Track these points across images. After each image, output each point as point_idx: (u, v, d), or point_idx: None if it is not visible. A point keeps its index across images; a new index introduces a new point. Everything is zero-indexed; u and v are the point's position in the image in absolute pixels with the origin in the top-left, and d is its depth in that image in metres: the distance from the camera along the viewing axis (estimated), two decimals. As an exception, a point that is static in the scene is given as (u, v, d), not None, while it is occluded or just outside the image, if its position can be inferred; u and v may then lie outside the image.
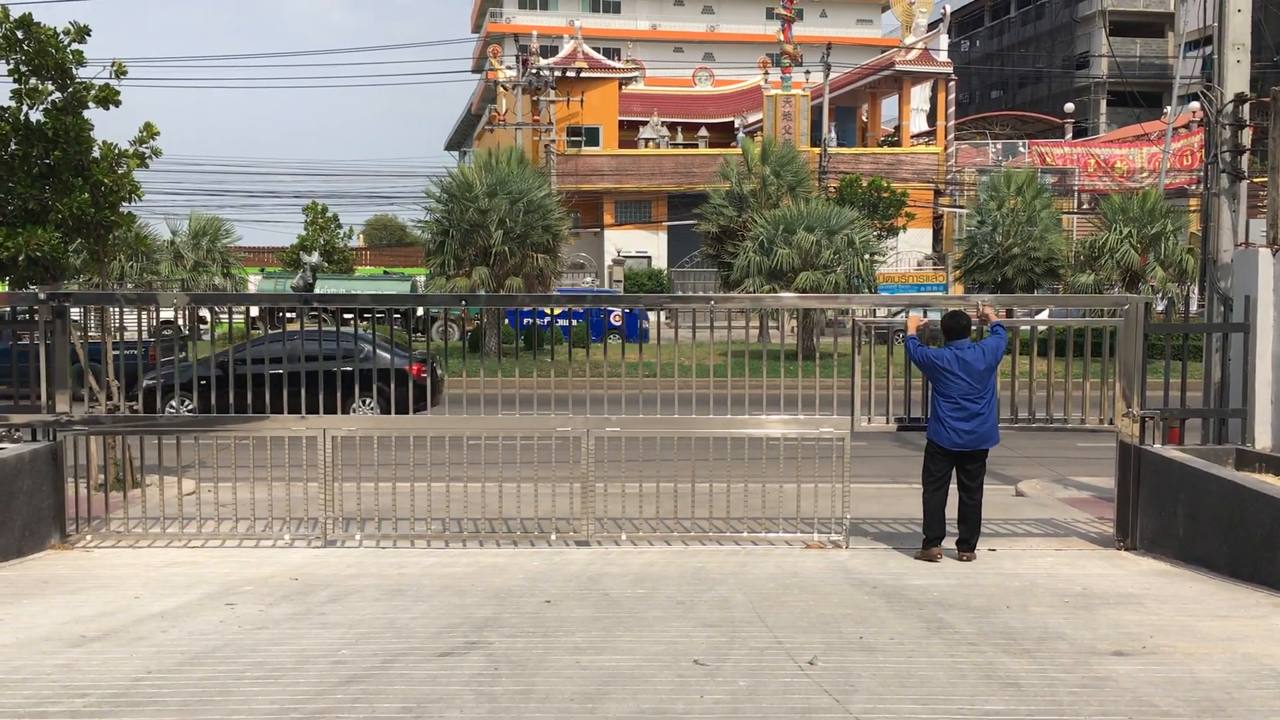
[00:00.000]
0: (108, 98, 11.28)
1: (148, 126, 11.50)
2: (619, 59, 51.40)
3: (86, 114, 11.23)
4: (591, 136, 45.97)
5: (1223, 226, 11.51)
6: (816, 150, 41.29)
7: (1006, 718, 4.98)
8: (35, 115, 11.07)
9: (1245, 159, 11.66)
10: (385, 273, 45.07)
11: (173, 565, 8.35)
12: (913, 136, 49.24)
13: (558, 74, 43.32)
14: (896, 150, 46.98)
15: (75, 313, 9.69)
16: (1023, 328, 9.88)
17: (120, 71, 11.42)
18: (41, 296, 9.15)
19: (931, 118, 50.01)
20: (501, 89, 44.60)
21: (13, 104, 11.01)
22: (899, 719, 4.93)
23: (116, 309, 9.71)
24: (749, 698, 5.23)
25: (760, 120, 46.15)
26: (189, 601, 7.16)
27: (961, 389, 8.45)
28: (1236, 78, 11.45)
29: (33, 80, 11.01)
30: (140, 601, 7.16)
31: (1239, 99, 11.41)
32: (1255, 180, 13.43)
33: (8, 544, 8.37)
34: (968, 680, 5.53)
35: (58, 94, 11.10)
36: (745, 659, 5.87)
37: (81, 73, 11.20)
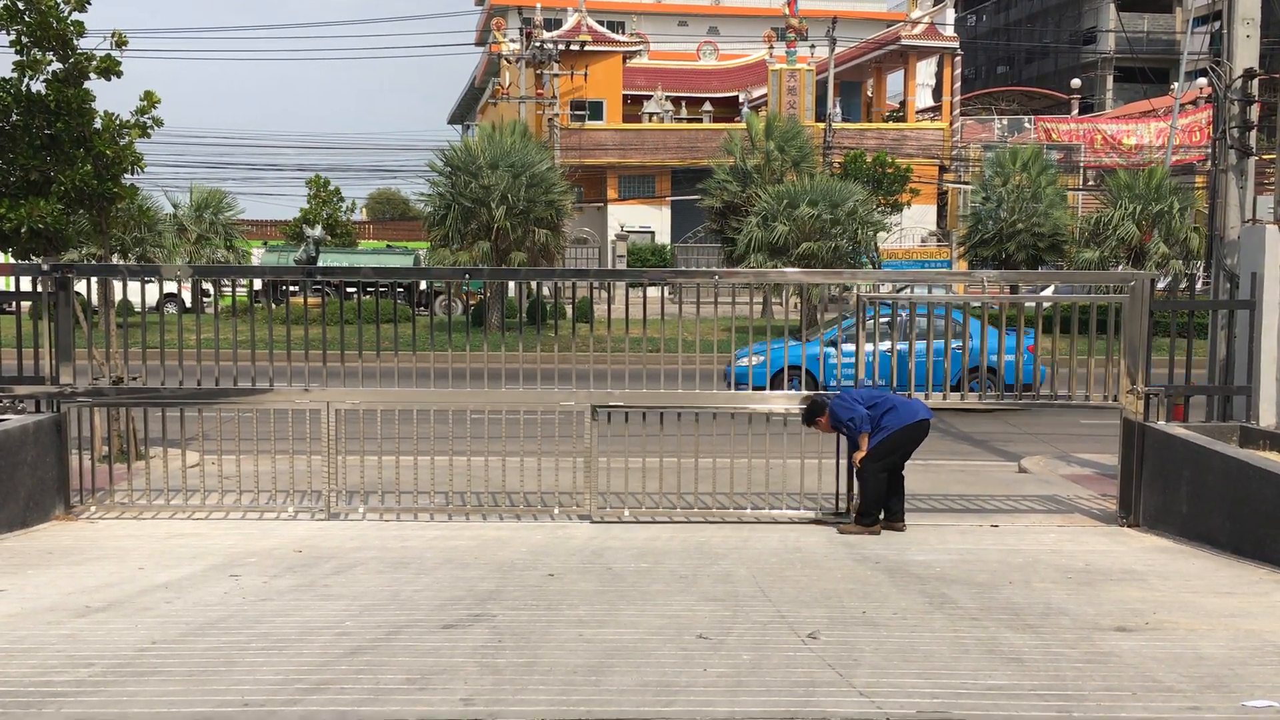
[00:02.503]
0: (109, 68, 11.21)
1: (148, 95, 11.44)
2: (623, 32, 51.04)
3: (88, 85, 11.18)
4: (595, 111, 45.72)
5: (1230, 203, 11.45)
6: (821, 125, 41.05)
7: (1010, 693, 4.98)
8: (37, 86, 11.02)
9: (1254, 135, 11.58)
10: (388, 246, 44.99)
11: (177, 537, 8.37)
12: (918, 112, 48.99)
13: (561, 47, 43.02)
14: (901, 126, 46.72)
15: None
16: (1028, 304, 9.84)
17: (121, 42, 11.35)
18: (45, 268, 9.14)
19: (937, 93, 49.73)
20: (505, 62, 44.32)
21: (14, 75, 10.95)
22: (902, 693, 4.93)
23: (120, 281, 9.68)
24: (752, 671, 5.24)
25: (765, 95, 45.89)
26: (193, 573, 7.18)
27: (891, 397, 8.84)
28: (1246, 53, 11.36)
29: (34, 51, 10.94)
30: (145, 573, 7.18)
31: (1248, 74, 11.32)
32: (1263, 157, 13.35)
33: (12, 515, 8.39)
34: (971, 655, 5.54)
35: (59, 65, 11.04)
36: (748, 633, 5.88)
37: (82, 43, 11.14)
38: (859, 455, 8.62)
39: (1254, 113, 11.52)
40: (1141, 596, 6.76)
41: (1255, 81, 11.41)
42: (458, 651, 5.51)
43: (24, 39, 10.90)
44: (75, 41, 11.06)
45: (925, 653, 5.56)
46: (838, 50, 42.81)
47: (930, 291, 9.80)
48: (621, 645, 5.64)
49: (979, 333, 13.38)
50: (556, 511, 9.19)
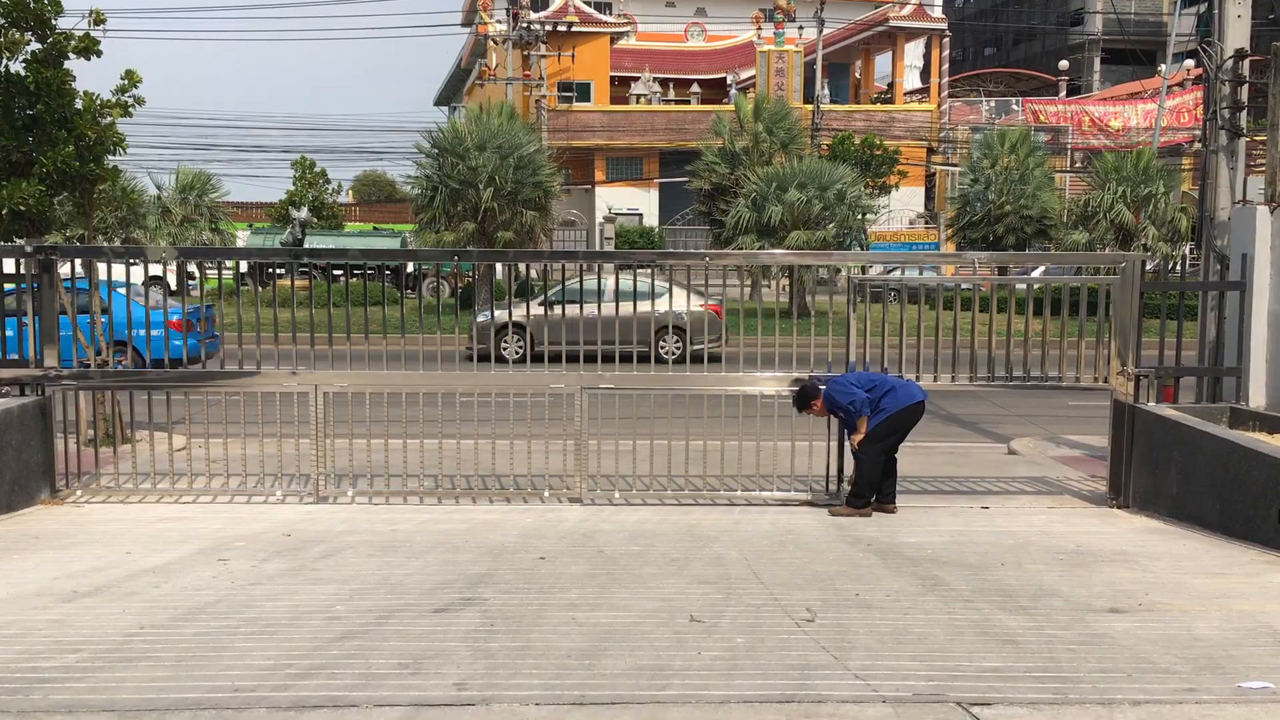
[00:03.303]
0: (88, 48, 11.06)
1: (129, 74, 11.30)
2: (610, 13, 50.77)
3: (68, 65, 11.02)
4: (583, 92, 45.51)
5: (1221, 184, 11.45)
6: (809, 107, 40.94)
7: (1005, 675, 4.96)
8: (15, 67, 10.86)
9: (1244, 116, 11.57)
10: (375, 229, 44.75)
11: (164, 521, 8.30)
12: (906, 94, 48.91)
13: (549, 28, 42.74)
14: (890, 108, 46.67)
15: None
16: (1018, 285, 9.81)
17: (99, 20, 11.19)
18: (28, 250, 9.03)
19: (925, 75, 49.67)
20: (492, 43, 44.02)
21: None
22: (898, 675, 4.91)
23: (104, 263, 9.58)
24: (747, 654, 5.22)
25: (753, 77, 45.74)
26: (181, 557, 7.12)
27: (888, 379, 8.82)
28: (1237, 33, 11.33)
29: (11, 31, 10.78)
30: (132, 557, 7.11)
31: (1239, 55, 11.30)
32: (1254, 138, 13.35)
33: (-3, 499, 8.31)
34: (965, 637, 5.52)
35: (37, 45, 10.89)
36: (742, 616, 5.86)
37: (61, 23, 10.99)
38: (857, 438, 8.59)
39: (1245, 93, 11.50)
40: (1133, 578, 6.75)
41: (1246, 62, 11.39)
42: (450, 635, 5.47)
43: (1, 19, 10.74)
44: (53, 20, 10.90)
45: (919, 635, 5.55)
46: (826, 32, 42.68)
47: (921, 274, 9.77)
48: (615, 628, 5.60)
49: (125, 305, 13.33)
50: (546, 494, 9.15)
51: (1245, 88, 11.54)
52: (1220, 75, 11.36)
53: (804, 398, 8.88)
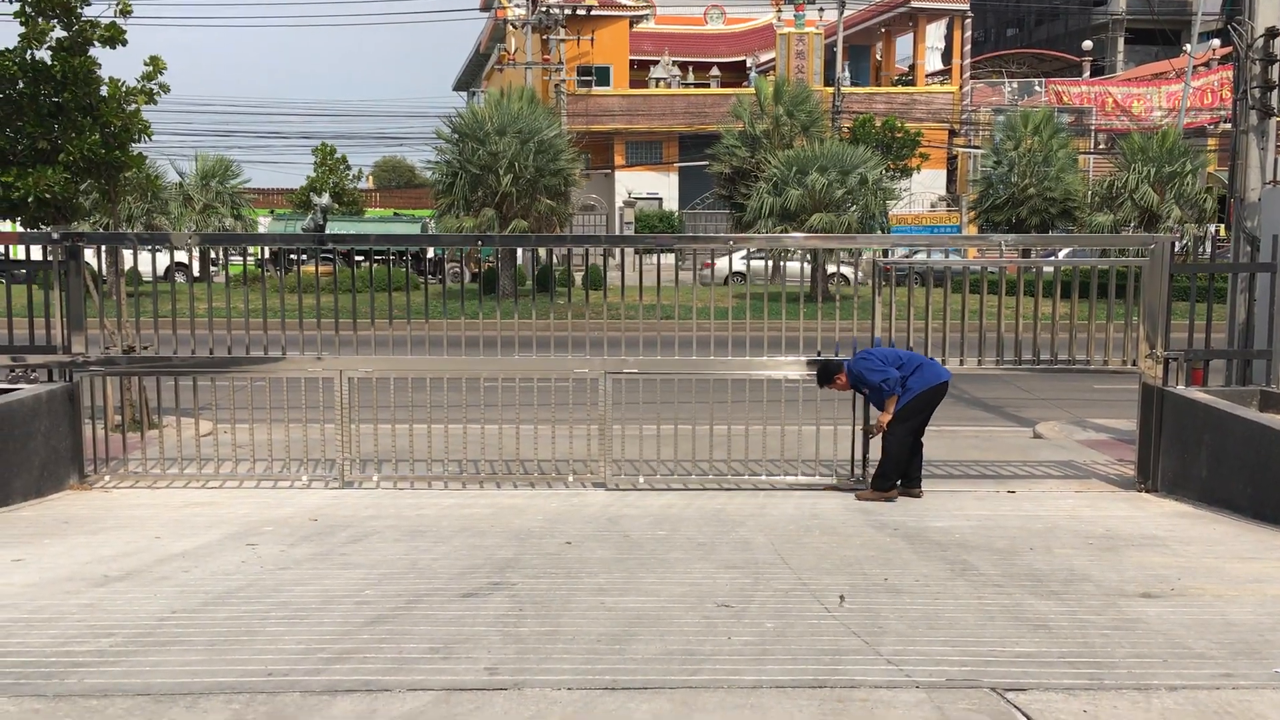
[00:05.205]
0: (114, 36, 11.10)
1: (154, 60, 11.32)
2: (629, -4, 50.51)
3: (93, 53, 11.06)
4: (602, 76, 45.37)
5: (1250, 164, 11.30)
6: (830, 90, 40.68)
7: (1039, 660, 4.93)
8: (42, 55, 10.91)
9: (1275, 95, 11.41)
10: (395, 214, 44.80)
11: (192, 506, 8.34)
12: (927, 76, 48.52)
13: (568, 12, 42.60)
14: (911, 90, 46.32)
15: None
16: (1046, 268, 9.72)
17: (125, 10, 11.23)
18: (55, 237, 9.07)
19: (946, 56, 49.28)
20: (511, 27, 43.90)
21: (19, 45, 10.83)
22: (930, 661, 4.89)
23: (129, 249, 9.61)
24: (777, 639, 5.20)
25: (773, 59, 45.48)
26: (210, 542, 7.15)
27: (916, 356, 8.75)
28: (1268, 10, 11.18)
29: (38, 20, 10.82)
30: (161, 542, 7.15)
31: (1270, 33, 11.14)
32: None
33: (26, 484, 8.37)
34: (996, 622, 5.49)
35: (63, 33, 10.92)
36: (771, 600, 5.84)
37: (87, 11, 11.02)
38: (885, 417, 8.52)
39: (1275, 72, 11.34)
40: (1165, 562, 6.70)
41: (1277, 40, 11.23)
42: (479, 620, 5.48)
43: (27, 7, 10.78)
44: (79, 9, 10.93)
45: (950, 620, 5.52)
46: (846, 13, 42.38)
47: (948, 256, 9.70)
48: (643, 613, 5.59)
49: None
50: (571, 479, 9.15)
51: (1276, 66, 11.38)
52: (1251, 54, 11.21)
53: (826, 373, 8.80)
